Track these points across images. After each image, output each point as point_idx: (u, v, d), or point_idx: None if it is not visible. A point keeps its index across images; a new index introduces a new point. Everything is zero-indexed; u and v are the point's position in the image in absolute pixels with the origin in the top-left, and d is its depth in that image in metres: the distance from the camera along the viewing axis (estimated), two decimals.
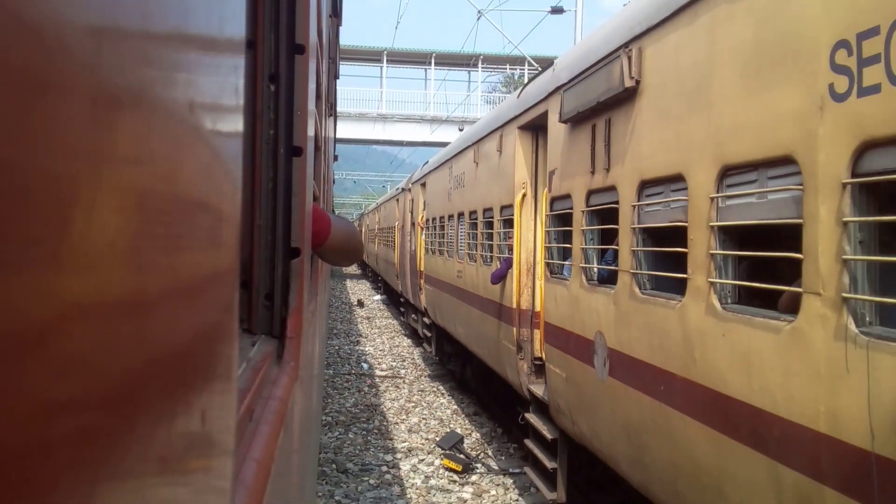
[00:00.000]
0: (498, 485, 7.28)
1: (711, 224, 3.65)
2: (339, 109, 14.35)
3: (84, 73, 0.34)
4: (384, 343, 16.54)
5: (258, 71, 1.58)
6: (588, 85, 5.25)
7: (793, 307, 3.10)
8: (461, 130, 13.06)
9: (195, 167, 0.56)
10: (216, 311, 0.67)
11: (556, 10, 22.69)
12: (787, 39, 3.14)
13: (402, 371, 13.24)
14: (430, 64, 38.42)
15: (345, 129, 30.66)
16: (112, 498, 0.38)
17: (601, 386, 5.10)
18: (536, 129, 7.43)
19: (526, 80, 8.18)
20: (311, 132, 1.89)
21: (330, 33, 4.51)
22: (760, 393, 3.27)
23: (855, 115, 2.71)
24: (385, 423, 9.52)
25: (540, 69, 7.84)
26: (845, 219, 2.72)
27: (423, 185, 15.05)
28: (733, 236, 3.66)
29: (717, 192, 3.62)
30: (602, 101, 4.93)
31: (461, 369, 11.47)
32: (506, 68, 38.77)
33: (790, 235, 3.14)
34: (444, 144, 15.55)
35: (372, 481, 7.31)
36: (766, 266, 3.69)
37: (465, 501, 6.83)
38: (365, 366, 13.70)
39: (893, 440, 2.51)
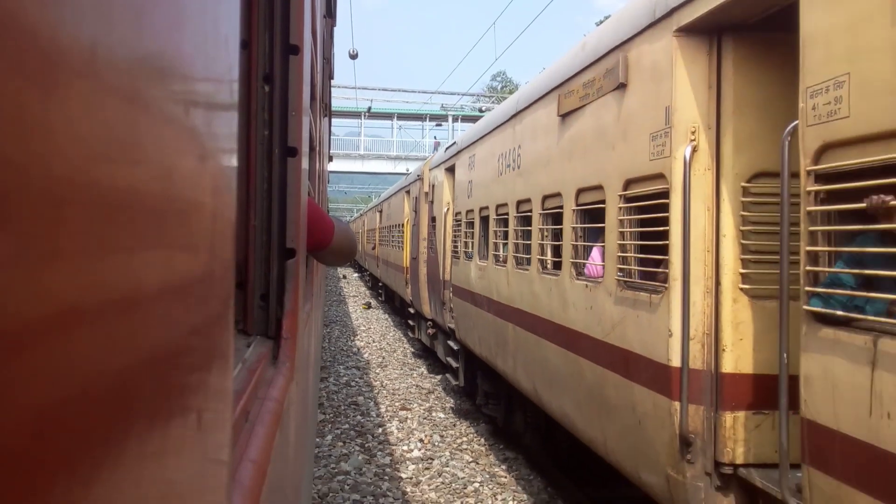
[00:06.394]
0: (378, 312, 25.05)
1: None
2: (331, 151, 18.99)
3: (79, 74, 0.34)
4: (355, 290, 35.31)
5: (253, 71, 1.58)
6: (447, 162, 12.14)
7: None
8: (407, 171, 24.02)
9: (190, 168, 0.56)
10: (211, 312, 0.66)
11: (439, 116, 40.29)
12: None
13: (360, 298, 30.31)
14: (395, 119, 57.13)
15: (335, 165, 45.37)
16: (108, 499, 0.38)
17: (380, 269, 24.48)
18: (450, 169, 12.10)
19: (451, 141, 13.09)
20: (305, 133, 1.89)
21: (324, 34, 4.51)
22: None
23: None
24: (346, 303, 27.14)
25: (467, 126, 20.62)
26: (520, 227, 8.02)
27: (365, 217, 34.43)
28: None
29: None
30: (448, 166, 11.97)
31: (383, 294, 27.85)
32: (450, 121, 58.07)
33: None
34: (405, 174, 26.65)
35: (340, 311, 24.74)
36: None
37: (366, 315, 23.99)
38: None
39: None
